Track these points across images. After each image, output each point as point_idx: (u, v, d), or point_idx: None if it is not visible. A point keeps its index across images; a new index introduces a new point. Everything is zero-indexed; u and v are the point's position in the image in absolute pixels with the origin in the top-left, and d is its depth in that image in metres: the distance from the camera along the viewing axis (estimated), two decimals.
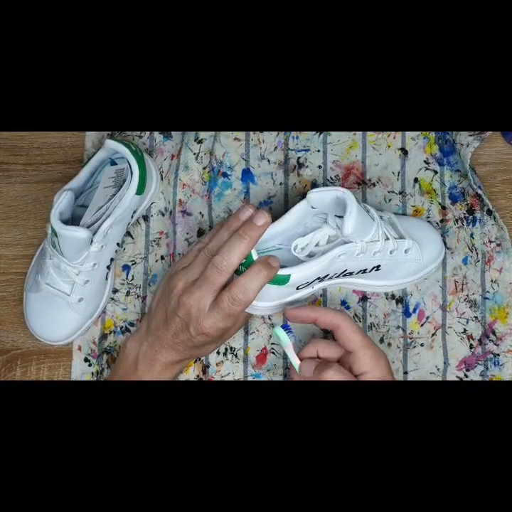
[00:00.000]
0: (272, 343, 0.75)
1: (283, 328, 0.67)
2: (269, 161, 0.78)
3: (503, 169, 0.77)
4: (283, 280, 0.66)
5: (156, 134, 0.79)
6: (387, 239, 0.68)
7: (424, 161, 0.77)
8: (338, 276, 0.70)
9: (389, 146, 0.78)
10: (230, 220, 0.67)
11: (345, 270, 0.69)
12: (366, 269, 0.69)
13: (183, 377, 0.75)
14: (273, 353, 0.75)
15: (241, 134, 0.78)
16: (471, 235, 0.75)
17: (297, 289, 0.68)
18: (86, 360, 0.76)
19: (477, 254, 0.75)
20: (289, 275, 0.66)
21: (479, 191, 0.74)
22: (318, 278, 0.68)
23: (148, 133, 0.79)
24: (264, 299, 0.68)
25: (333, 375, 0.62)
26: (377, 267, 0.70)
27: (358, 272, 0.70)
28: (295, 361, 0.66)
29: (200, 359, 0.75)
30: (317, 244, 0.69)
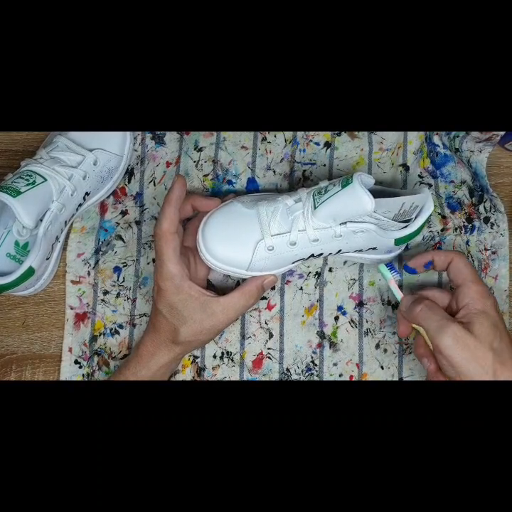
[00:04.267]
0: (269, 348, 0.75)
1: (386, 266, 0.70)
2: (274, 171, 0.78)
3: (495, 173, 0.78)
4: None
5: (148, 140, 0.79)
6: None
7: (419, 175, 0.77)
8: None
9: (392, 164, 0.78)
10: None
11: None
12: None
13: (179, 379, 0.75)
14: (269, 357, 0.76)
15: (248, 143, 0.78)
16: (467, 243, 0.76)
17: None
18: (76, 362, 0.76)
19: (473, 261, 0.76)
20: None
21: (493, 195, 0.75)
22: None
23: (139, 139, 0.79)
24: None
25: (422, 308, 0.64)
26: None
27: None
28: (398, 294, 0.69)
29: (195, 361, 0.75)
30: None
